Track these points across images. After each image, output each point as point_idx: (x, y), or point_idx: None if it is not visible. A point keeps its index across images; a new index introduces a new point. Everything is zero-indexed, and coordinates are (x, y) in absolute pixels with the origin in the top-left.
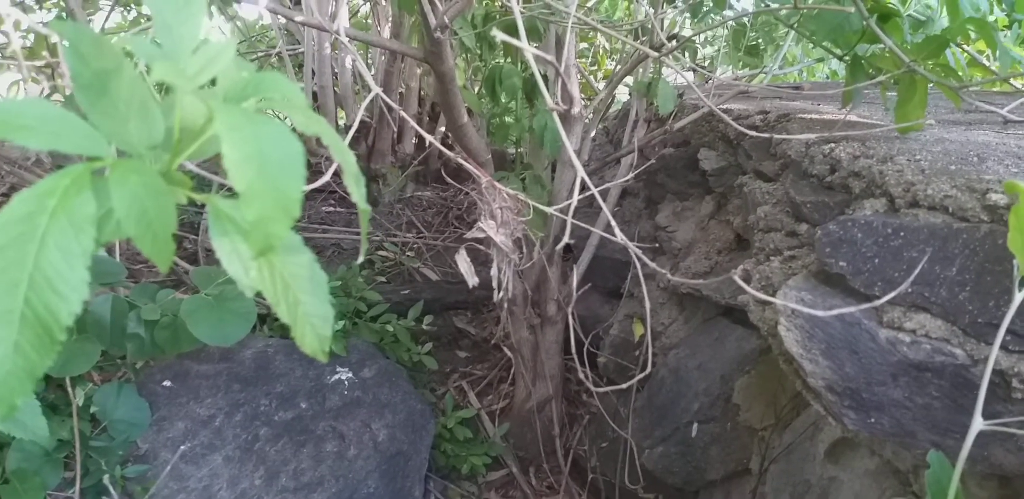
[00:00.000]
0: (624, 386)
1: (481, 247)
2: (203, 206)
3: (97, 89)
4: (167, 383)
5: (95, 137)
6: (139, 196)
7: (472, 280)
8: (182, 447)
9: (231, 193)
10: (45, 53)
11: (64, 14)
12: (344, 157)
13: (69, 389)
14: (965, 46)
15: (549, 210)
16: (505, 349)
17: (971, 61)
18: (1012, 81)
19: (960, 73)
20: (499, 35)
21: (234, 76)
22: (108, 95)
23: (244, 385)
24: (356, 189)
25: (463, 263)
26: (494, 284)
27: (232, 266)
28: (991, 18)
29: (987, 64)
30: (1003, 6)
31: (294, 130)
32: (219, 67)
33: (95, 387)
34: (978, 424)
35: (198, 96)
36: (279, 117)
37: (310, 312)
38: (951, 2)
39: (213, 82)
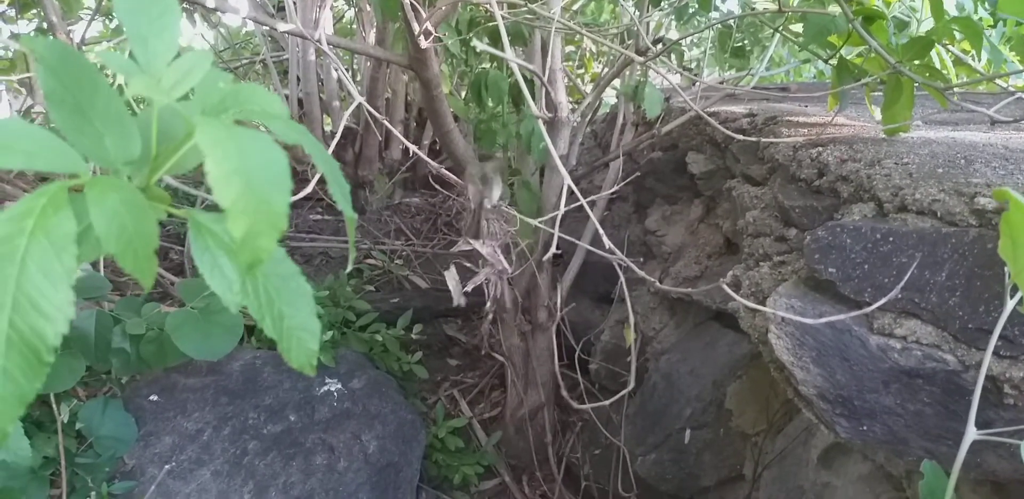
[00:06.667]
0: (611, 400)
1: (471, 258)
2: None
3: (71, 105)
4: (154, 397)
5: (71, 154)
6: (118, 213)
7: (459, 300)
8: (169, 464)
9: (212, 207)
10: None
11: (45, 24)
12: (327, 165)
13: (54, 405)
14: (950, 46)
15: (535, 222)
16: (496, 356)
17: (956, 60)
18: (998, 81)
19: (945, 73)
20: (480, 45)
21: (212, 88)
22: (82, 110)
23: (232, 398)
24: (341, 197)
25: (451, 281)
26: (485, 293)
27: (215, 281)
28: (975, 17)
29: (972, 64)
30: (987, 5)
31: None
32: (196, 79)
33: (80, 403)
34: (971, 434)
35: (176, 110)
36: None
37: (296, 325)
38: (936, 3)
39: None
